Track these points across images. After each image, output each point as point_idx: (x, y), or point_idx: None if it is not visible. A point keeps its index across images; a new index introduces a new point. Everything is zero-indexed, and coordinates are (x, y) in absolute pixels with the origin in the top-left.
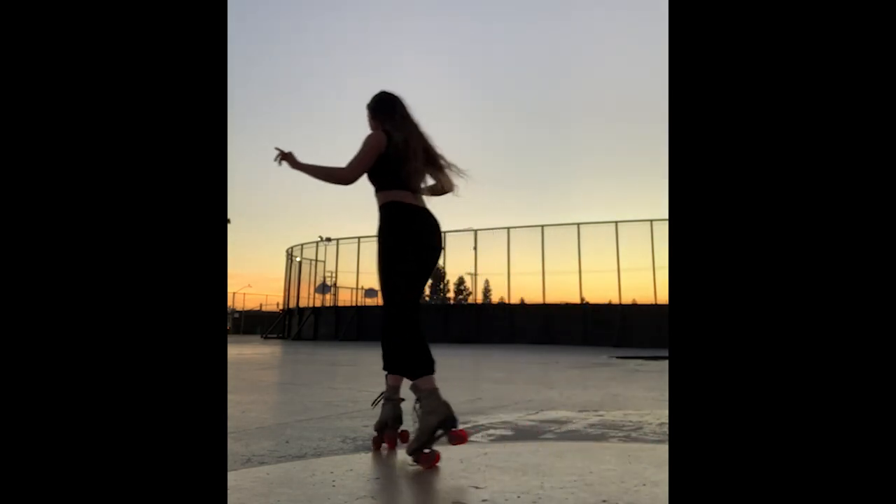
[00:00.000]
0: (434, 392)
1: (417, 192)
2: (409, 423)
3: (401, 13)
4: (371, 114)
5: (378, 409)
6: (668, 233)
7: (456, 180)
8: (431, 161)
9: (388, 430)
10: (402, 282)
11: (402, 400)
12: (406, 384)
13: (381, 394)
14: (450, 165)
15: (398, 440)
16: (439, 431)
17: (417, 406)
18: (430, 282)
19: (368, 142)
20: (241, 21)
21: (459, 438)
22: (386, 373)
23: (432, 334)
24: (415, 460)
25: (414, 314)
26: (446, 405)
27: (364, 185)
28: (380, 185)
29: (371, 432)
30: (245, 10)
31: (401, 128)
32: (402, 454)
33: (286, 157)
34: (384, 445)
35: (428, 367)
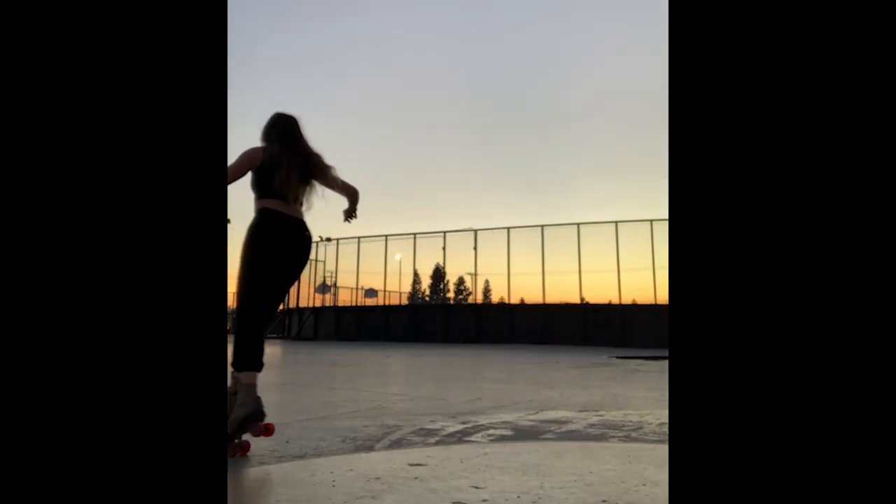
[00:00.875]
0: (252, 388)
1: (293, 202)
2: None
3: (401, 11)
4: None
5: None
6: (668, 233)
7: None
8: (314, 174)
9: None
10: (250, 279)
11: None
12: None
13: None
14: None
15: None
16: (247, 423)
17: (232, 397)
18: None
19: (241, 156)
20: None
21: (266, 431)
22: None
23: (432, 334)
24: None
25: (256, 311)
26: (258, 400)
27: (364, 187)
28: (257, 195)
29: (372, 433)
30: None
31: (271, 147)
32: (402, 455)
33: None
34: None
35: (255, 364)
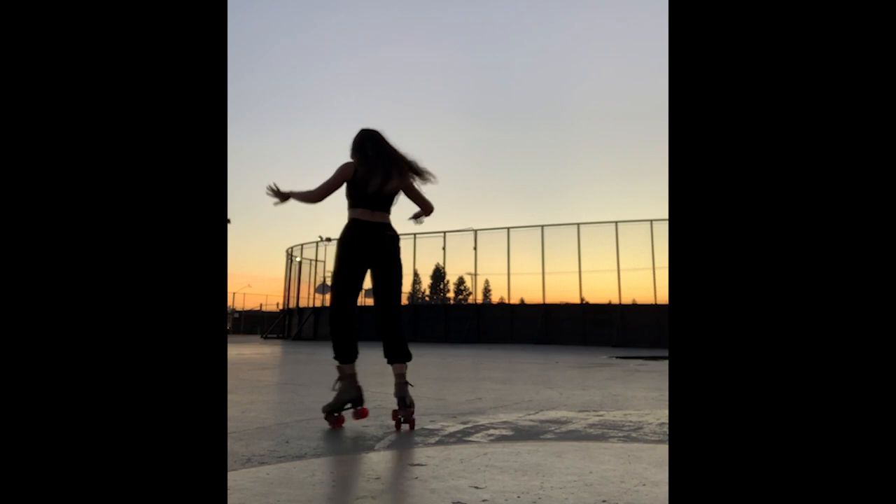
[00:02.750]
0: (352, 377)
1: (380, 210)
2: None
3: (401, 10)
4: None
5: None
6: (668, 233)
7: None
8: (410, 175)
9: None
10: (338, 283)
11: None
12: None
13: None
14: (421, 174)
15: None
16: (348, 405)
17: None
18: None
19: (337, 171)
20: (241, 20)
21: (362, 415)
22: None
23: (432, 334)
24: (326, 418)
25: (344, 311)
26: (359, 388)
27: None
28: (350, 204)
29: (372, 433)
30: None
31: (367, 160)
32: (402, 455)
33: (278, 194)
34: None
35: (351, 357)
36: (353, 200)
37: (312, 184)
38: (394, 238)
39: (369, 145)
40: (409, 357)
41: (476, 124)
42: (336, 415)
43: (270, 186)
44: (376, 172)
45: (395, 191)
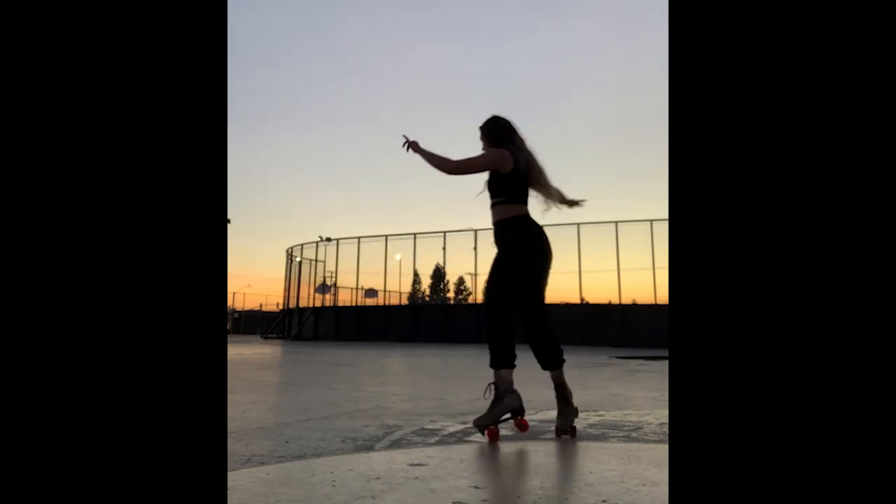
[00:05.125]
0: (511, 384)
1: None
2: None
3: (400, 10)
4: (485, 135)
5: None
6: (668, 233)
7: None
8: (538, 179)
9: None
10: (512, 287)
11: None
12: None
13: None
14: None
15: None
16: (507, 415)
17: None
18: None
19: (491, 155)
20: (241, 19)
21: (523, 428)
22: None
23: (432, 335)
24: (480, 431)
25: (506, 316)
26: (519, 397)
27: (364, 187)
28: (510, 198)
29: (372, 433)
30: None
31: (522, 151)
32: (402, 455)
33: (412, 144)
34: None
35: (510, 363)
36: (519, 196)
37: (312, 183)
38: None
39: (518, 137)
40: (562, 361)
41: (475, 123)
42: (494, 427)
43: (406, 137)
44: (534, 166)
45: (549, 196)
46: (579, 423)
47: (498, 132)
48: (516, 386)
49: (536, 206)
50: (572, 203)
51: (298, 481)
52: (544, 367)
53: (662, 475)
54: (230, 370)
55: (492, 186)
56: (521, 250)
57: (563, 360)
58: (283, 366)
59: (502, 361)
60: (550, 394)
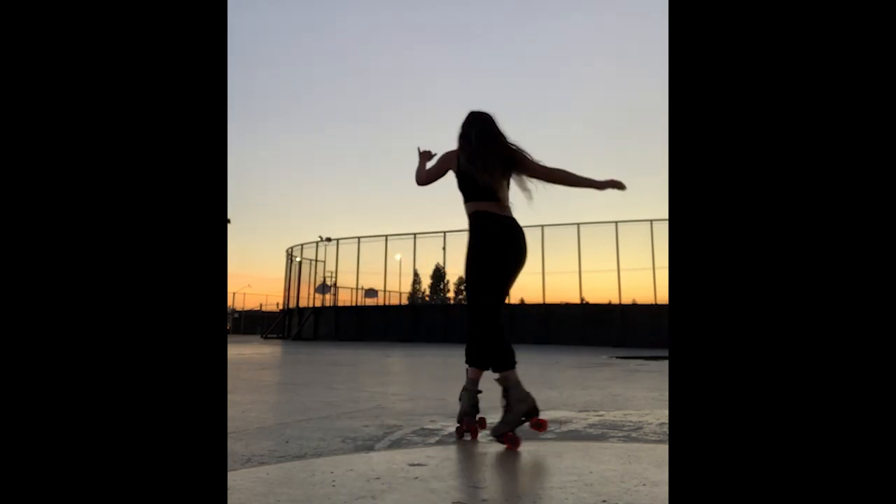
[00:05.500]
0: (519, 384)
1: (502, 201)
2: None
3: (401, 9)
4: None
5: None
6: (668, 233)
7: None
8: (512, 168)
9: (467, 418)
10: (479, 285)
11: (480, 392)
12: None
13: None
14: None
15: (478, 428)
16: (524, 418)
17: (505, 395)
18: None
19: (437, 160)
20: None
21: (541, 426)
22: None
23: (433, 334)
24: (499, 441)
25: (490, 315)
26: (529, 395)
27: (364, 187)
28: (464, 198)
29: (372, 433)
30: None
31: (467, 148)
32: (402, 455)
33: (422, 155)
34: (467, 433)
35: (509, 363)
36: (469, 194)
37: (312, 183)
38: (524, 238)
39: (474, 132)
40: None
41: None
42: (512, 434)
43: (419, 146)
44: (477, 163)
45: (497, 184)
46: (580, 422)
47: (459, 132)
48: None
49: (524, 198)
50: (579, 181)
51: (298, 481)
52: (480, 366)
53: (662, 475)
54: (230, 370)
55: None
56: (467, 250)
57: (493, 363)
58: (283, 366)
59: (504, 362)
60: (550, 393)
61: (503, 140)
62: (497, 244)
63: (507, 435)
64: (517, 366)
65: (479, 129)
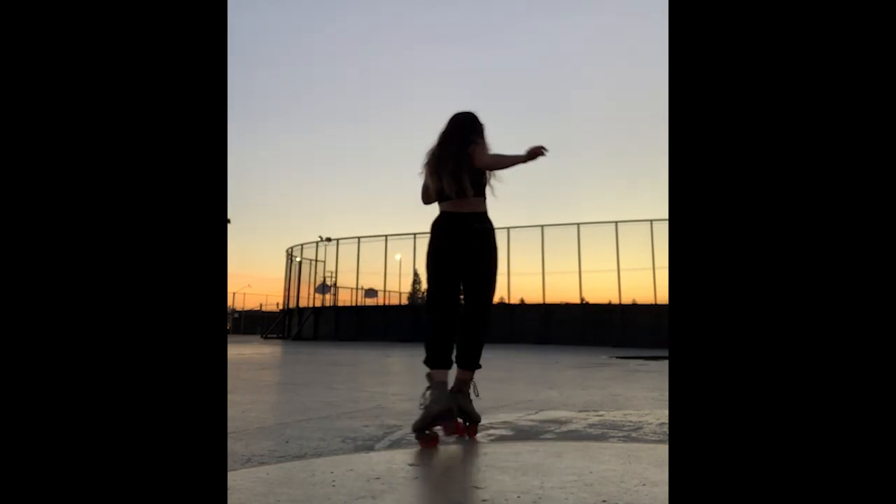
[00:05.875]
0: (443, 385)
1: (459, 197)
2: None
3: (401, 9)
4: None
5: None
6: (668, 233)
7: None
8: (463, 166)
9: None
10: (428, 284)
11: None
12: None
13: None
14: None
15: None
16: (438, 420)
17: (427, 393)
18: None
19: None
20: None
21: (455, 430)
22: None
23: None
24: (416, 438)
25: (435, 314)
26: (450, 398)
27: (364, 187)
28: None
29: (372, 433)
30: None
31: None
32: (402, 455)
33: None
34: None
35: (444, 362)
36: (437, 195)
37: (312, 183)
38: (477, 231)
39: (443, 134)
40: (477, 364)
41: None
42: (428, 432)
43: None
44: (428, 170)
45: (449, 186)
46: (580, 422)
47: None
48: (515, 385)
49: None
50: (511, 161)
51: (298, 481)
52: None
53: (662, 475)
54: (230, 370)
55: None
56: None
57: (438, 363)
58: (283, 366)
59: (434, 361)
60: (550, 393)
61: (453, 141)
62: (442, 243)
63: (421, 431)
64: (479, 370)
65: (440, 137)
